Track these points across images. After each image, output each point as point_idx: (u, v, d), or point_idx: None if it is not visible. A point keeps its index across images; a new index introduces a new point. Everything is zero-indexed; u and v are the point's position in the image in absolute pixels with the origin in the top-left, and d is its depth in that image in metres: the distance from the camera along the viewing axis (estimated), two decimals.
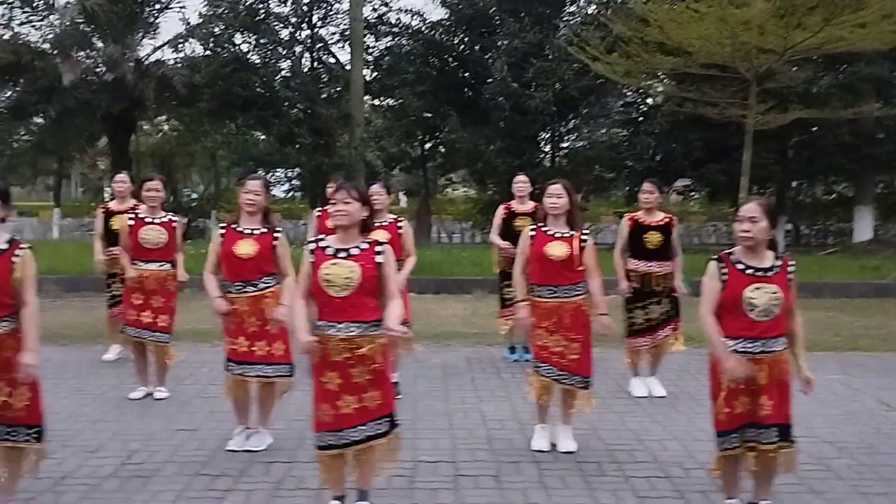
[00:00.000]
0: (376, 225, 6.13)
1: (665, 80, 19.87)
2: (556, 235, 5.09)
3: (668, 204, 26.47)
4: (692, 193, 24.76)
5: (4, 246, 3.80)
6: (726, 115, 16.50)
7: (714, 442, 3.99)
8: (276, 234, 5.11)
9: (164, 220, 6.38)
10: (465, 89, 21.55)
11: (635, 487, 4.56)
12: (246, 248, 5.01)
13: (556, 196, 5.09)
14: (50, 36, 20.63)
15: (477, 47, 20.90)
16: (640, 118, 21.79)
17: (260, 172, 20.47)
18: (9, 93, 21.30)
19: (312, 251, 3.92)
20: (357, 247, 3.90)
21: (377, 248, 3.91)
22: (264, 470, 4.79)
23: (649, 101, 22.14)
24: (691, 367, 7.34)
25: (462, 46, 21.38)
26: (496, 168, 19.43)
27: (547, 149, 21.78)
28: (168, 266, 6.38)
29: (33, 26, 20.83)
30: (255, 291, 5.05)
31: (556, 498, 4.39)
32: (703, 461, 4.81)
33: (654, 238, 6.46)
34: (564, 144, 22.02)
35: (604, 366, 7.58)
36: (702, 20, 14.44)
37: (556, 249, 5.04)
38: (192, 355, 7.77)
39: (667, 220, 6.54)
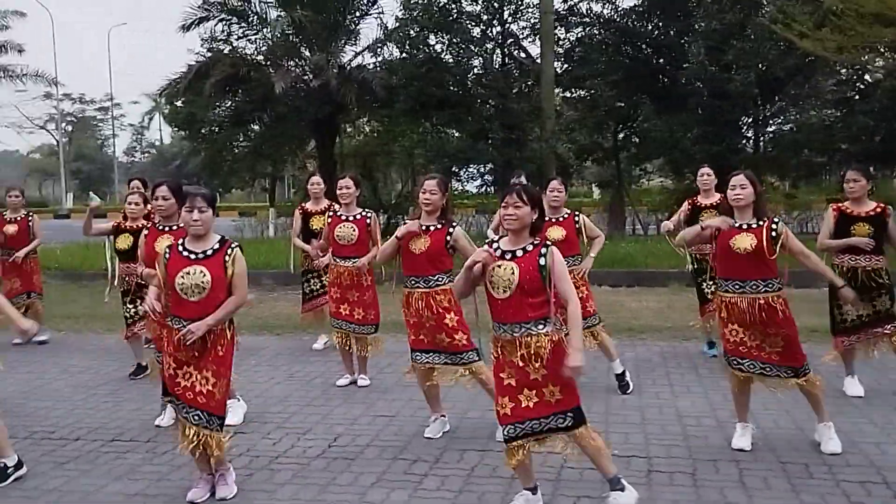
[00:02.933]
0: (553, 221, 6.14)
1: (885, 54, 18.14)
2: (743, 227, 4.86)
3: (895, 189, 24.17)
4: None
5: (217, 246, 4.24)
6: None
7: None
8: (450, 230, 5.21)
9: (357, 217, 6.69)
10: (660, 76, 20.85)
11: (847, 492, 4.26)
12: (421, 244, 5.18)
13: (740, 187, 4.85)
14: (263, 48, 22.26)
15: (672, 32, 20.15)
16: (856, 96, 20.05)
17: (458, 171, 21.12)
18: (229, 103, 23.18)
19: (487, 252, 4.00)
20: (523, 248, 3.93)
21: (542, 250, 3.91)
22: (458, 457, 4.94)
23: (867, 77, 20.31)
24: None
25: (656, 32, 20.70)
26: (694, 156, 18.64)
27: (749, 134, 20.61)
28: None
29: (249, 40, 22.54)
30: (425, 288, 5.20)
31: (758, 499, 4.19)
32: None
33: (862, 230, 5.93)
34: (769, 129, 20.75)
35: (814, 363, 7.09)
36: None
37: (743, 241, 4.80)
38: (392, 345, 8.12)
39: (879, 209, 5.97)
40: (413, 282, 5.25)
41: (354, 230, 6.61)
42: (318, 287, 8.09)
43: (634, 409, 5.89)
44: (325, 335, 8.29)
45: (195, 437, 4.22)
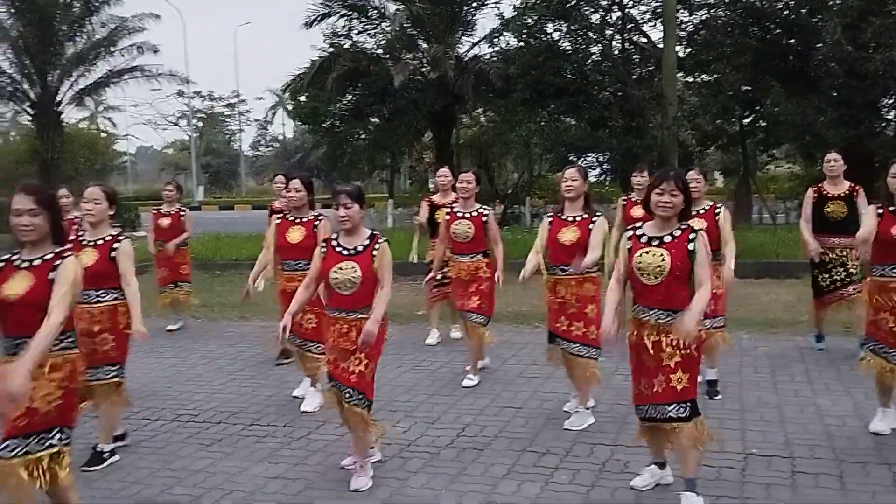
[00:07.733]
0: (694, 213, 5.94)
1: None
2: None
3: None
4: None
5: (366, 242, 4.37)
6: None
7: None
8: (593, 219, 5.25)
9: (473, 214, 6.69)
10: (790, 57, 19.83)
11: None
12: (568, 235, 5.25)
13: None
14: (382, 42, 22.66)
15: (804, 10, 19.15)
16: None
17: (576, 160, 20.81)
18: (349, 97, 23.72)
19: (629, 238, 4.02)
20: (671, 234, 3.92)
21: (690, 235, 3.89)
22: (588, 451, 4.89)
23: None
24: None
25: (786, 11, 19.73)
26: (827, 141, 17.69)
27: (890, 116, 19.38)
28: (479, 256, 6.66)
29: (369, 34, 22.99)
30: (576, 275, 5.24)
31: None
32: None
33: None
34: None
35: None
36: None
37: None
38: (514, 336, 8.15)
39: None
40: (562, 270, 5.29)
41: (470, 227, 6.65)
42: (439, 277, 8.16)
43: (772, 407, 5.66)
44: (436, 330, 8.36)
45: (348, 415, 4.38)
